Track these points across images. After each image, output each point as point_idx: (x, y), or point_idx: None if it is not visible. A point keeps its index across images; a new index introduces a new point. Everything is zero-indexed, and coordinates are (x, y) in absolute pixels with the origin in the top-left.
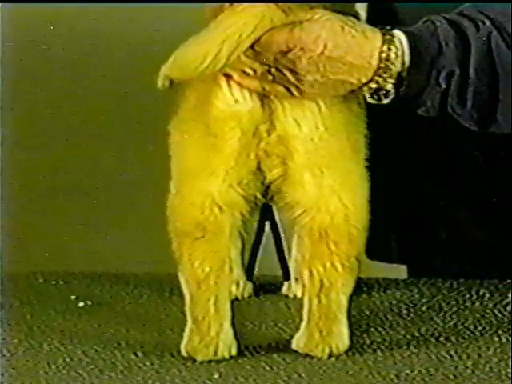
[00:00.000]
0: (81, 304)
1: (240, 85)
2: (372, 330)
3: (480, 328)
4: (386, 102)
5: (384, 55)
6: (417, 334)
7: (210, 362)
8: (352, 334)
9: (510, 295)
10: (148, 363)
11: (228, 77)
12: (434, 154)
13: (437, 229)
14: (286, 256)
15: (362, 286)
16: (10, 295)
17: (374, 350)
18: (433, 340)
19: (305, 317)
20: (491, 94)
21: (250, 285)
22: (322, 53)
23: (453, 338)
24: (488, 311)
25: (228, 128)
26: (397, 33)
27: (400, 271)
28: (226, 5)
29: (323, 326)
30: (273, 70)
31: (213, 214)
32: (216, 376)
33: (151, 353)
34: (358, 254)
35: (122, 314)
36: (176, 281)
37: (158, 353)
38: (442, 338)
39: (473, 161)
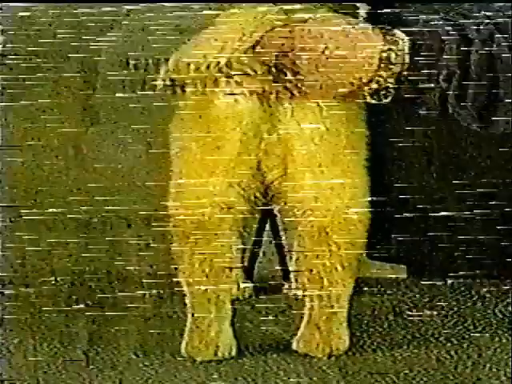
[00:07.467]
0: (81, 304)
1: (240, 85)
2: (372, 330)
3: (480, 328)
4: (386, 101)
5: (384, 55)
6: (417, 334)
7: (210, 362)
8: (352, 334)
9: (510, 295)
10: (148, 363)
11: (228, 77)
12: (434, 154)
13: (437, 229)
14: (286, 256)
15: (362, 286)
16: (9, 295)
17: (374, 350)
18: (433, 340)
19: (305, 317)
20: (491, 94)
21: (249, 285)
22: (322, 53)
23: (453, 338)
24: (488, 311)
25: (228, 128)
26: (397, 33)
27: (400, 271)
28: (226, 5)
29: (323, 326)
30: (273, 70)
31: (213, 214)
32: (216, 376)
33: (151, 353)
34: (358, 254)
35: (122, 314)
36: (176, 281)
37: (158, 353)
38: (441, 338)
39: (473, 161)
